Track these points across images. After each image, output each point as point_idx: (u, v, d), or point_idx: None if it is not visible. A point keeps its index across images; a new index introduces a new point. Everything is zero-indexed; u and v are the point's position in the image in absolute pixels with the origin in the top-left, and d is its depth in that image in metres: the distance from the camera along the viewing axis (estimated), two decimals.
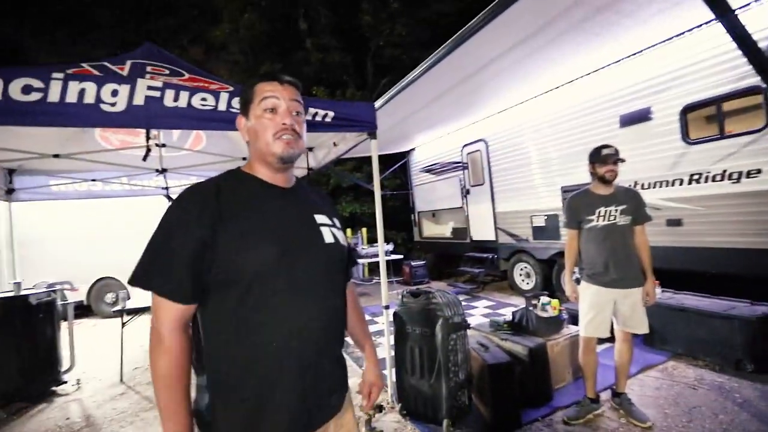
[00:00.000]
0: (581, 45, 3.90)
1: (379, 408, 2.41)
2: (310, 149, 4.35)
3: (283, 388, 0.88)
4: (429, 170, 7.87)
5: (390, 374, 2.76)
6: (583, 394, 2.52)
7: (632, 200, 2.41)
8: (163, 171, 4.31)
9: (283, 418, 0.87)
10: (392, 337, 2.68)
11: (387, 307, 2.74)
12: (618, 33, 3.67)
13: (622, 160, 2.42)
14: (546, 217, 5.40)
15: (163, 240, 0.85)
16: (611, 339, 2.52)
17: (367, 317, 5.11)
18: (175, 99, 2.13)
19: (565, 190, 5.05)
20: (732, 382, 2.76)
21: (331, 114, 2.64)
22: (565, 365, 2.87)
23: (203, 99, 2.20)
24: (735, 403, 2.49)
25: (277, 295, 0.87)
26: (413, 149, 8.64)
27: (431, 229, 8.50)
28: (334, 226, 1.05)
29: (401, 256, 7.88)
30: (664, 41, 3.90)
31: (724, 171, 3.56)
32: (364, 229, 9.46)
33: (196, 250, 0.83)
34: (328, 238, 1.00)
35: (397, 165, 8.80)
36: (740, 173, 3.45)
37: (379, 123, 2.95)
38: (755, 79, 2.97)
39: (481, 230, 6.74)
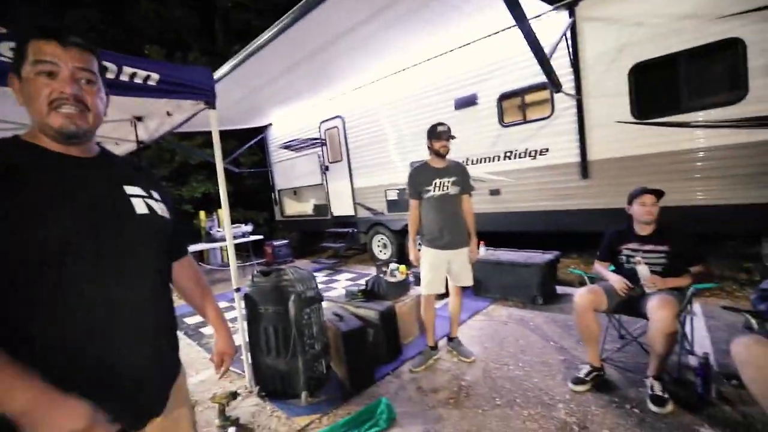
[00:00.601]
0: (418, 31, 4.22)
1: (233, 395, 2.30)
2: (139, 119, 3.68)
3: (94, 375, 0.78)
4: (288, 146, 7.61)
5: (246, 358, 2.65)
6: (425, 344, 2.89)
7: (461, 173, 2.79)
8: None
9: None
10: (245, 323, 2.56)
11: (238, 290, 2.58)
12: (449, 23, 4.10)
13: (453, 137, 2.75)
14: (398, 191, 5.85)
15: None
16: (446, 294, 2.94)
17: (224, 303, 4.80)
18: None
19: (413, 166, 5.55)
20: (529, 314, 3.55)
21: (155, 76, 2.25)
22: (412, 322, 3.22)
23: None
24: (529, 329, 3.22)
25: (83, 270, 0.77)
26: (270, 125, 8.19)
27: (293, 207, 8.33)
28: (150, 197, 0.95)
29: (262, 237, 7.52)
30: (487, 36, 4.53)
31: (527, 149, 4.42)
32: (220, 210, 8.66)
33: None
34: (141, 209, 0.90)
35: (253, 141, 8.23)
36: (536, 151, 4.35)
37: (226, 94, 2.66)
38: (544, 78, 3.74)
39: (341, 206, 6.92)
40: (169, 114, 3.30)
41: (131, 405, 0.84)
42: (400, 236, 5.99)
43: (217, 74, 4.28)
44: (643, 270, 2.23)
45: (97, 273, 0.80)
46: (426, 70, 5.28)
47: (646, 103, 3.58)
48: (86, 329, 0.78)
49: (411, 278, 3.45)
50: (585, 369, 2.31)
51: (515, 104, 4.54)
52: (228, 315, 4.36)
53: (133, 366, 0.84)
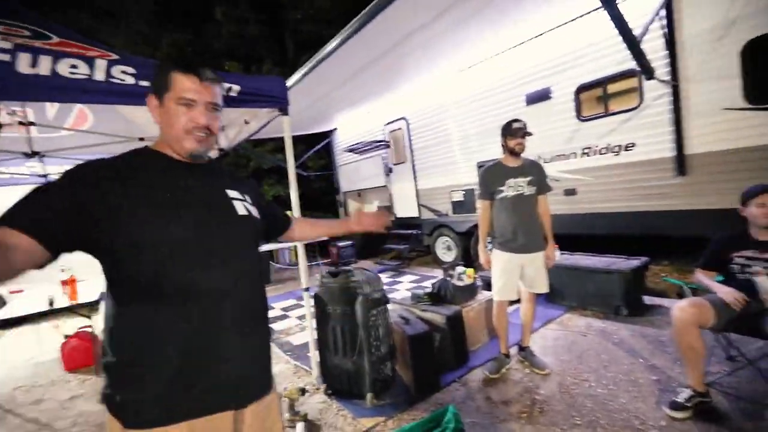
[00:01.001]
0: (485, 28, 4.06)
1: (302, 391, 2.38)
2: (221, 128, 4.01)
3: (198, 362, 0.86)
4: (352, 150, 7.79)
5: (314, 356, 2.73)
6: (496, 352, 2.74)
7: (537, 172, 2.61)
8: (35, 154, 3.64)
9: (206, 389, 0.86)
10: (314, 321, 2.64)
11: (307, 290, 2.67)
12: (520, 14, 3.88)
13: (530, 134, 2.58)
14: (464, 192, 5.69)
15: (35, 193, 0.78)
16: (518, 300, 2.77)
17: (292, 301, 5.04)
18: (33, 64, 1.77)
19: (480, 166, 5.35)
20: (612, 326, 3.21)
21: (236, 88, 2.43)
22: (480, 328, 3.09)
23: (73, 66, 1.87)
24: (613, 343, 2.91)
25: (197, 263, 0.87)
26: (336, 129, 8.47)
27: (358, 209, 8.51)
28: (245, 200, 1.05)
29: (327, 238, 7.79)
30: (560, 25, 4.22)
31: (608, 145, 4.03)
32: (288, 212, 9.14)
33: (72, 205, 0.78)
34: (241, 211, 1.01)
35: (319, 145, 8.57)
36: (620, 146, 3.94)
37: (295, 101, 2.81)
38: (632, 63, 3.36)
39: (405, 207, 6.91)
40: (246, 122, 3.55)
41: (238, 388, 0.93)
42: (465, 238, 5.81)
43: (288, 82, 4.52)
44: (764, 282, 1.89)
45: (208, 267, 0.89)
46: (494, 66, 5.06)
47: (762, 86, 3.05)
48: (199, 318, 0.87)
49: (479, 282, 3.31)
50: (685, 393, 2.01)
51: (595, 96, 4.15)
52: (297, 313, 4.59)
53: (241, 354, 0.93)
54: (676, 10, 3.40)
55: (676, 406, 1.98)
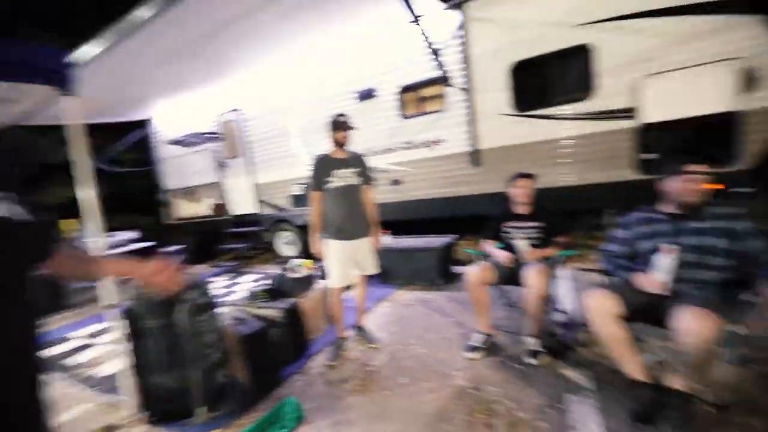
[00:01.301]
0: (314, 23, 4.15)
1: (109, 429, 2.00)
2: None
3: None
4: (178, 142, 6.86)
5: (129, 384, 2.32)
6: (334, 337, 2.87)
7: (361, 164, 2.81)
8: None
9: None
10: (129, 342, 2.24)
11: (114, 307, 2.25)
12: (347, 17, 4.10)
13: (353, 128, 2.75)
14: (304, 186, 5.71)
15: None
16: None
17: (100, 325, 4.08)
18: None
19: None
20: (431, 296, 3.78)
21: None
22: (318, 317, 3.18)
23: None
24: (432, 310, 3.43)
25: None
26: (153, 118, 7.30)
27: (187, 209, 7.57)
28: None
29: (154, 243, 6.69)
30: (386, 30, 4.61)
31: (425, 140, 4.66)
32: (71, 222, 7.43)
33: None
34: None
35: (132, 135, 7.26)
36: (433, 142, 4.60)
37: (95, 80, 2.25)
38: (439, 72, 3.97)
39: (242, 204, 6.51)
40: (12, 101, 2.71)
41: None
42: (305, 231, 5.84)
43: (77, 56, 3.66)
44: (521, 244, 2.53)
45: None
46: (328, 63, 5.21)
47: (524, 98, 4.03)
48: None
49: (318, 272, 3.39)
50: (477, 337, 2.54)
51: (414, 97, 4.74)
52: (107, 338, 3.79)
53: None
54: (468, 31, 4.17)
55: (470, 348, 2.49)
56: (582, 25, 3.59)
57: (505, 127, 4.14)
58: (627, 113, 3.45)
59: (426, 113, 4.65)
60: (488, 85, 4.17)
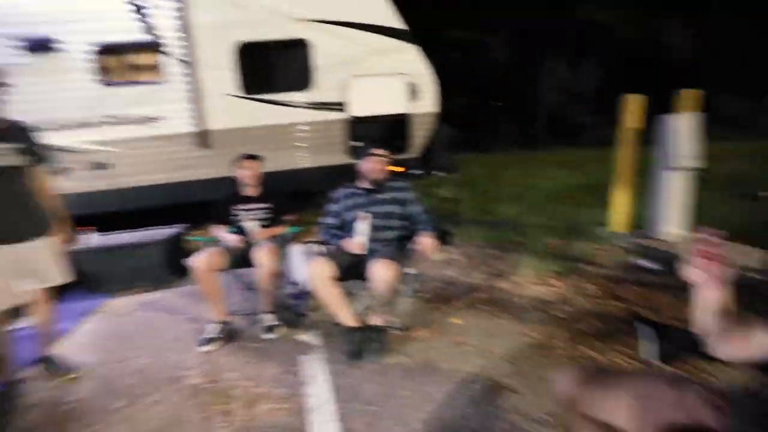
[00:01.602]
0: None
1: None
2: None
3: None
4: None
5: None
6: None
7: (25, 138, 2.01)
8: None
9: None
10: None
11: None
12: None
13: (6, 84, 1.92)
14: None
15: None
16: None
17: None
18: None
19: None
20: (159, 296, 3.28)
21: None
22: None
23: None
24: (162, 311, 3.00)
25: None
26: None
27: None
28: None
29: None
30: None
31: (139, 116, 3.88)
32: None
33: None
34: None
35: None
36: (149, 118, 3.90)
37: None
38: (151, 37, 3.33)
39: None
40: None
41: None
42: None
43: None
44: (250, 225, 2.53)
45: None
46: None
47: (252, 81, 3.98)
48: None
49: None
50: (211, 327, 2.40)
51: (122, 62, 3.84)
52: None
53: None
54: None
55: (205, 342, 2.33)
56: (300, 20, 3.87)
57: (236, 109, 4.00)
58: (340, 106, 4.05)
59: (138, 83, 3.88)
60: (214, 61, 3.89)
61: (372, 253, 2.15)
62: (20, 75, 2.64)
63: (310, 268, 2.05)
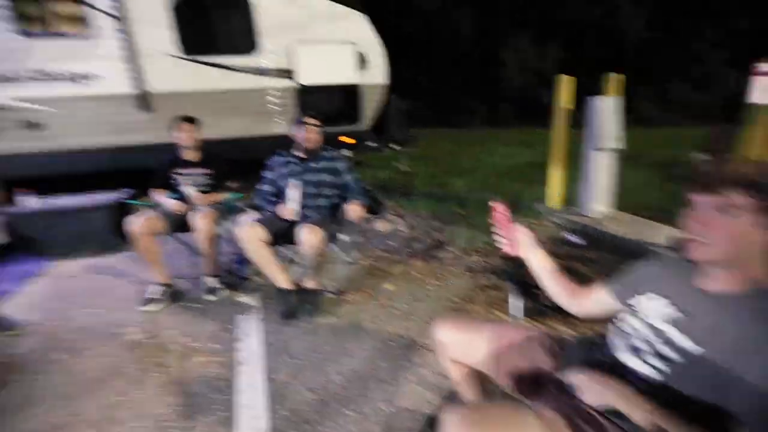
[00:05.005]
0: None
1: None
2: None
3: None
4: None
5: None
6: None
7: None
8: None
9: None
10: None
11: None
12: None
13: None
14: None
15: None
16: None
17: None
18: None
19: None
20: (106, 260, 3.32)
21: None
22: None
23: None
24: (106, 273, 3.07)
25: None
26: None
27: None
28: None
29: None
30: None
31: (67, 72, 3.69)
32: None
33: None
34: None
35: None
36: (80, 76, 3.71)
37: None
38: None
39: None
40: None
41: None
42: None
43: None
44: (189, 190, 2.59)
45: None
46: None
47: (192, 41, 3.82)
48: None
49: None
50: (153, 288, 2.51)
51: (38, 10, 3.57)
52: None
53: None
54: None
55: (147, 302, 2.44)
56: None
57: (178, 71, 3.86)
58: (287, 74, 4.00)
59: (60, 36, 3.64)
60: (148, 18, 3.68)
61: (304, 219, 2.29)
62: None
63: (243, 233, 2.17)
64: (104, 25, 3.59)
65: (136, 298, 2.61)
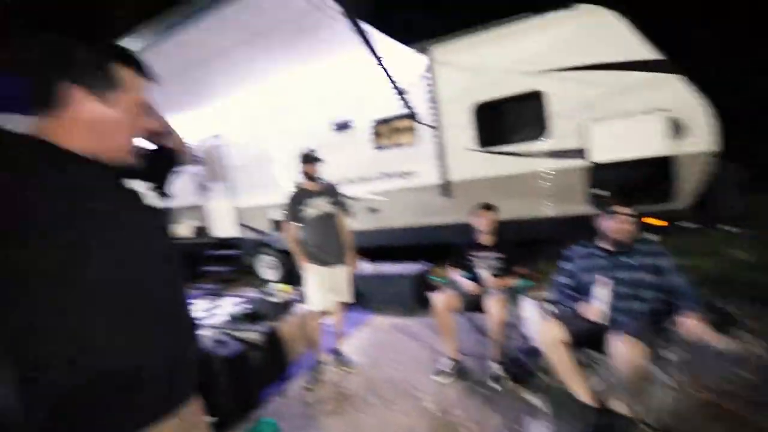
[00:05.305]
0: (294, 58, 4.38)
1: None
2: None
3: None
4: None
5: None
6: (314, 360, 2.99)
7: (334, 193, 3.01)
8: None
9: None
10: None
11: None
12: (322, 54, 4.34)
13: (319, 160, 2.96)
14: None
15: None
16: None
17: None
18: None
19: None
20: (407, 321, 3.95)
21: None
22: (298, 340, 3.29)
23: None
24: (407, 334, 3.60)
25: None
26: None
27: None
28: None
29: None
30: (358, 65, 4.89)
31: (399, 171, 4.93)
32: None
33: None
34: None
35: None
36: (406, 173, 4.88)
37: None
38: (408, 109, 4.27)
39: (224, 227, 6.59)
40: None
41: None
42: (287, 255, 5.96)
43: None
44: (483, 273, 2.76)
45: None
46: (306, 93, 5.46)
47: (488, 135, 4.37)
48: None
49: (297, 297, 3.52)
50: (446, 362, 2.72)
51: (388, 130, 5.03)
52: None
53: None
54: (436, 76, 4.55)
55: (439, 373, 2.66)
56: (532, 73, 3.98)
57: (473, 161, 4.44)
58: (577, 153, 3.81)
59: (399, 146, 4.93)
60: (455, 122, 4.48)
61: (614, 325, 1.94)
62: (328, 149, 3.95)
63: (542, 329, 2.05)
64: (425, 133, 4.65)
65: (428, 363, 2.91)
